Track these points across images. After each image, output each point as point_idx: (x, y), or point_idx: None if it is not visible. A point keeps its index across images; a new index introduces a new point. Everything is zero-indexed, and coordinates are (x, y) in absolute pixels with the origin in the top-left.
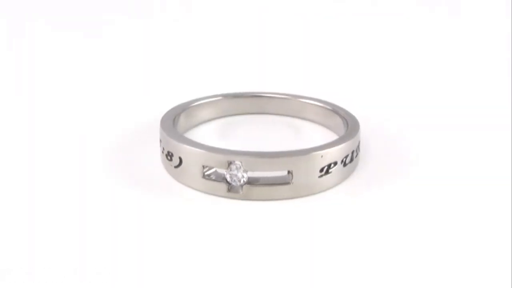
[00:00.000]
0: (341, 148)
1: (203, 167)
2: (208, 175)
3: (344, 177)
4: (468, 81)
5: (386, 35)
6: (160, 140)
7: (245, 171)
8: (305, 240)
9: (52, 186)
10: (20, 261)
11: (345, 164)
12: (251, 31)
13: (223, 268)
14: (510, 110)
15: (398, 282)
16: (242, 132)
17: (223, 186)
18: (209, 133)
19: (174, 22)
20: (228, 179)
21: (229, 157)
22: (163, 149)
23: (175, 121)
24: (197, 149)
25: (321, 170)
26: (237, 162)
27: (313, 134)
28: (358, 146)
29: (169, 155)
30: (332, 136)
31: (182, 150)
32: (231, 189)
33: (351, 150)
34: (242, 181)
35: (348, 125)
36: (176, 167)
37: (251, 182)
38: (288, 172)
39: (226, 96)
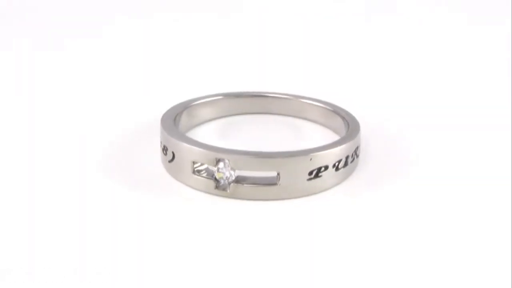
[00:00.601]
0: (333, 152)
1: (193, 163)
2: (199, 171)
3: (338, 182)
4: (468, 81)
5: (387, 36)
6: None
7: (233, 169)
8: (286, 242)
9: (51, 184)
10: (20, 261)
11: (337, 169)
12: (254, 31)
13: (199, 265)
14: (510, 110)
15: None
16: (243, 132)
17: (212, 183)
18: (210, 133)
19: (176, 21)
20: (216, 176)
21: (217, 154)
22: (161, 143)
23: (176, 119)
24: (187, 145)
25: (310, 173)
26: (225, 160)
27: (313, 135)
28: (355, 151)
29: (164, 150)
30: (333, 137)
31: (175, 145)
32: (219, 187)
33: (345, 155)
34: (229, 179)
35: (349, 127)
36: (169, 161)
37: (239, 180)
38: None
39: (227, 95)
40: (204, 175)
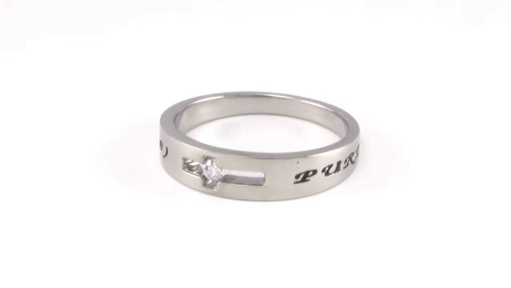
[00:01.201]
0: (322, 157)
1: (184, 159)
2: (190, 168)
3: (328, 187)
4: (468, 85)
5: (388, 37)
6: None
7: (220, 168)
8: (263, 244)
9: (51, 181)
10: (20, 261)
11: (327, 174)
12: (255, 31)
13: (173, 260)
14: (509, 114)
15: None
16: (243, 133)
17: (200, 180)
18: (210, 133)
19: (179, 20)
20: (204, 174)
21: (206, 152)
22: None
23: (176, 118)
24: (178, 141)
25: (297, 177)
26: (214, 158)
27: (314, 136)
28: (350, 157)
29: (161, 145)
30: (333, 138)
31: (168, 140)
32: (206, 184)
33: (336, 161)
34: (216, 177)
35: (348, 129)
36: (164, 156)
37: (227, 179)
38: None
39: (228, 95)
40: (196, 172)
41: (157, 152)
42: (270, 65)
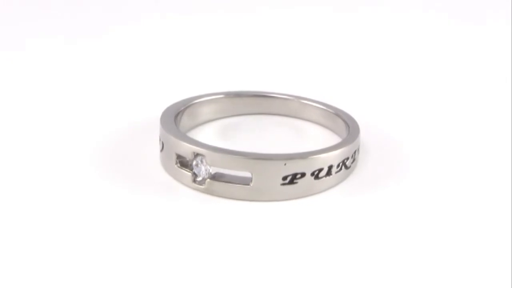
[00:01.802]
0: (311, 161)
1: (177, 155)
2: (183, 164)
3: (318, 191)
4: (468, 86)
5: (390, 38)
6: None
7: (209, 165)
8: (243, 243)
9: (49, 181)
10: (19, 261)
11: (317, 177)
12: (257, 31)
13: (153, 256)
14: (509, 114)
15: None
16: (244, 132)
17: (191, 177)
18: (210, 133)
19: (181, 20)
20: (194, 171)
21: (195, 148)
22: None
23: (177, 116)
24: (171, 136)
25: (284, 179)
26: (204, 156)
27: (315, 137)
28: (344, 161)
29: (160, 140)
30: (335, 139)
31: (163, 135)
32: (196, 181)
33: (328, 165)
34: (205, 175)
35: (349, 131)
36: (161, 151)
37: (216, 177)
38: None
39: (228, 94)
40: (188, 168)
41: (157, 150)
42: (272, 64)
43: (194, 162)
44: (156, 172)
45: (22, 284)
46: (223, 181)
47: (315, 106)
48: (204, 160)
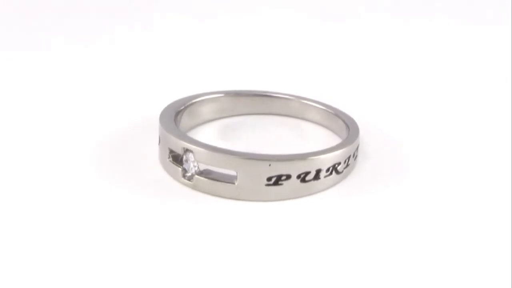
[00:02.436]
0: (298, 163)
1: (169, 149)
2: (175, 158)
3: (306, 193)
4: (467, 86)
5: (392, 39)
6: None
7: (196, 161)
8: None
9: (49, 181)
10: (19, 261)
11: (304, 180)
12: (259, 31)
13: (135, 249)
14: (509, 115)
15: None
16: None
17: (181, 172)
18: (211, 133)
19: (181, 19)
20: (184, 166)
21: (184, 144)
22: None
23: (178, 115)
24: (165, 131)
25: (269, 179)
26: (191, 151)
27: (315, 138)
28: (335, 166)
29: (159, 135)
30: (335, 140)
31: (160, 130)
32: (185, 176)
33: (315, 168)
34: (193, 170)
35: (349, 133)
36: (158, 144)
37: (204, 173)
38: None
39: (228, 93)
40: (180, 163)
41: (156, 148)
42: (272, 64)
43: (184, 158)
44: (151, 165)
45: (21, 284)
46: (210, 178)
47: (315, 106)
48: (192, 156)
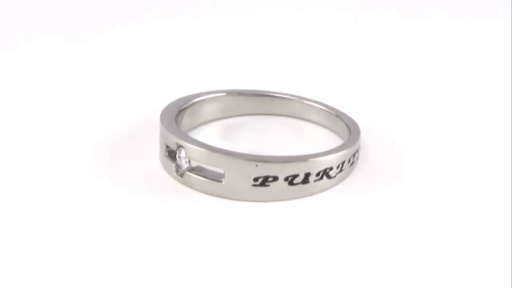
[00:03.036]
0: (285, 165)
1: (166, 145)
2: (170, 154)
3: (290, 197)
4: (468, 88)
5: (396, 41)
6: None
7: (187, 157)
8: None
9: (48, 181)
10: (18, 261)
11: (291, 183)
12: (260, 32)
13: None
14: (509, 117)
15: None
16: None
17: (174, 167)
18: (212, 133)
19: (180, 18)
20: (177, 162)
21: (177, 140)
22: None
23: (179, 113)
24: (162, 126)
25: (256, 180)
26: (183, 147)
27: (317, 139)
28: (326, 171)
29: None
30: (337, 142)
31: (160, 126)
32: (178, 172)
33: (304, 172)
34: (185, 166)
35: (350, 135)
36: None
37: (195, 170)
38: None
39: (231, 92)
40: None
41: (157, 148)
42: (274, 64)
43: (178, 154)
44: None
45: (21, 284)
46: (200, 175)
47: (317, 107)
48: (184, 152)
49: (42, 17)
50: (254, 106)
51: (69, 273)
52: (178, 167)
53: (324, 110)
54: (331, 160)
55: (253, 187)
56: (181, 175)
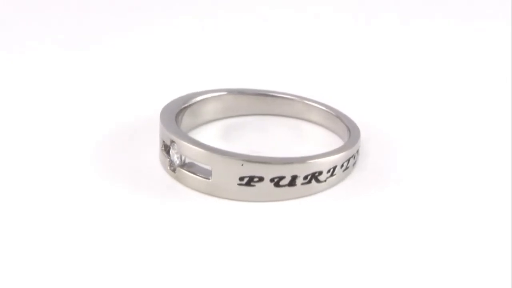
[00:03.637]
0: (272, 166)
1: (162, 140)
2: (166, 149)
3: (277, 198)
4: (469, 88)
5: (397, 42)
6: None
7: (178, 153)
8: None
9: (48, 181)
10: (18, 261)
11: (277, 185)
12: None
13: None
14: (509, 117)
15: None
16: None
17: (168, 163)
18: (213, 133)
19: (181, 18)
20: (171, 157)
21: (169, 135)
22: None
23: (179, 113)
24: (160, 122)
25: (241, 179)
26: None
27: (317, 139)
28: (315, 174)
29: None
30: (337, 143)
31: (159, 123)
32: (171, 167)
33: (291, 174)
34: (177, 162)
35: (349, 136)
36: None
37: (186, 166)
38: None
39: (231, 91)
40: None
41: (157, 147)
42: (275, 64)
43: (170, 149)
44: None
45: (21, 284)
46: (190, 171)
47: (318, 107)
48: (176, 148)
49: (42, 17)
50: (256, 105)
51: (68, 272)
52: (171, 162)
53: (325, 110)
54: (320, 164)
55: (239, 186)
56: (174, 170)
